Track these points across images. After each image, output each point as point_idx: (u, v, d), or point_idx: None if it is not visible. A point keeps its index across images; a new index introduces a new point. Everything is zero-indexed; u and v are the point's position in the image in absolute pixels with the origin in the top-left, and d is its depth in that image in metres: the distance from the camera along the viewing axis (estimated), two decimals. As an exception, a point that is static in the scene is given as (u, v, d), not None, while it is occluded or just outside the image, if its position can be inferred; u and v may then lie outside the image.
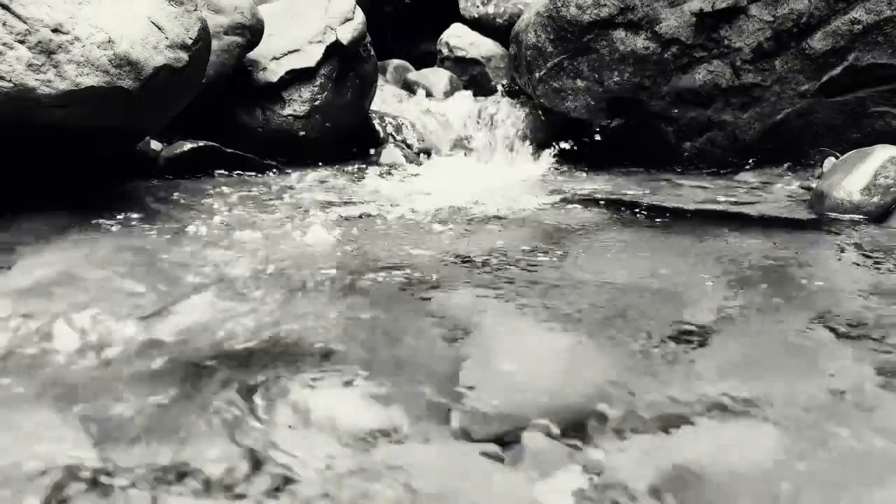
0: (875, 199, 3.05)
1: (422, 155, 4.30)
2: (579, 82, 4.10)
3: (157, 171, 3.46)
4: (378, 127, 4.41)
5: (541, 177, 4.01)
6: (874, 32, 3.69)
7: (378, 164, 4.13)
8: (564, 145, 4.30)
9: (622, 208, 3.25)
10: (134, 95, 2.65)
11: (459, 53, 5.14)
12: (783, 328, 2.03)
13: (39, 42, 2.49)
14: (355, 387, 1.68)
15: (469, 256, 2.55)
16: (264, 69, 3.94)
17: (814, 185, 3.47)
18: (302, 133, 3.93)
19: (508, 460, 1.47)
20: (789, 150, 3.95)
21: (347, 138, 4.18)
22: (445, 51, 5.22)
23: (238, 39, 3.77)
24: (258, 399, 1.61)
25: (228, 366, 1.74)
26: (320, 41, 4.01)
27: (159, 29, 2.72)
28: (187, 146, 3.51)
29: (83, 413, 1.54)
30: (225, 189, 3.33)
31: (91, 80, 2.54)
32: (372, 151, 4.26)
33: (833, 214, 3.11)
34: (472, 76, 5.12)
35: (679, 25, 3.86)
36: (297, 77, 3.95)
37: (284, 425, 1.54)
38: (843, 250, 2.68)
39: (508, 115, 4.49)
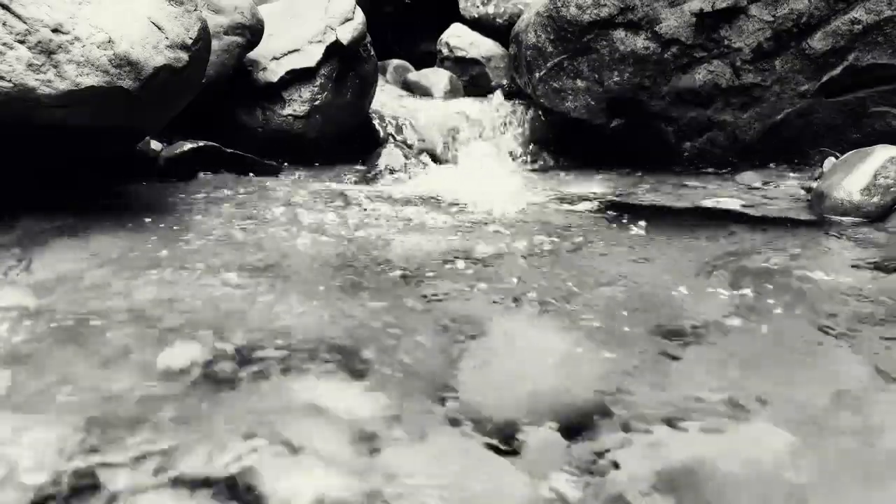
0: (875, 200, 3.05)
1: (422, 155, 4.30)
2: (579, 82, 4.10)
3: (158, 171, 3.46)
4: (378, 127, 4.41)
5: (540, 177, 4.01)
6: (874, 32, 3.69)
7: (377, 165, 4.13)
8: (564, 145, 4.29)
9: (622, 208, 3.25)
10: (134, 95, 2.65)
11: (459, 53, 5.14)
12: (782, 328, 2.03)
13: (39, 42, 2.49)
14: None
15: (467, 256, 2.55)
16: (264, 69, 3.94)
17: (814, 186, 3.47)
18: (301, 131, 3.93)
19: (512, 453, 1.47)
20: (789, 150, 3.95)
21: (347, 138, 4.18)
22: (445, 51, 5.22)
23: (238, 39, 3.77)
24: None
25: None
26: (320, 41, 4.01)
27: (159, 29, 2.72)
28: (187, 146, 3.51)
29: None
30: (224, 189, 3.33)
31: (91, 80, 2.54)
32: (372, 152, 4.26)
33: (833, 215, 3.11)
34: (472, 76, 5.12)
35: (679, 25, 3.86)
36: (297, 77, 3.95)
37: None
38: (842, 251, 2.68)
39: (508, 115, 4.49)
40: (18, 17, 2.48)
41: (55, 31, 2.52)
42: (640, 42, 3.91)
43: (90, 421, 1.51)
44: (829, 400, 1.69)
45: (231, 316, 2.01)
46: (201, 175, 3.51)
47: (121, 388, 1.64)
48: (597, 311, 2.11)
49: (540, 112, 4.38)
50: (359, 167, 4.05)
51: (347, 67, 4.10)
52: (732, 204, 3.35)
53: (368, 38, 4.27)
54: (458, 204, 3.28)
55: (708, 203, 3.37)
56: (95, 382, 1.66)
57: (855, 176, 3.14)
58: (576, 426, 1.57)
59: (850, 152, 3.41)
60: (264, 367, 1.75)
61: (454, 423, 1.57)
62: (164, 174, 3.45)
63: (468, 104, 4.67)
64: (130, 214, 2.83)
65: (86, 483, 1.36)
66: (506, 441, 1.52)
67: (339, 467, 1.42)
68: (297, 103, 3.92)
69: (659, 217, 3.12)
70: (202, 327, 1.93)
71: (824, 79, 3.81)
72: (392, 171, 3.98)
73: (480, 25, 5.26)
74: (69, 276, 2.22)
